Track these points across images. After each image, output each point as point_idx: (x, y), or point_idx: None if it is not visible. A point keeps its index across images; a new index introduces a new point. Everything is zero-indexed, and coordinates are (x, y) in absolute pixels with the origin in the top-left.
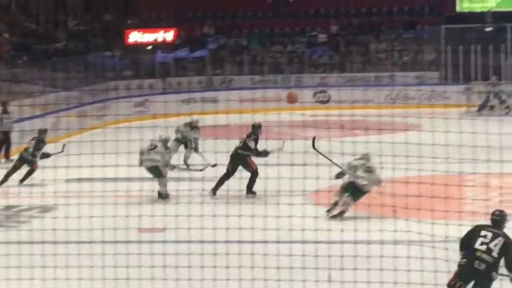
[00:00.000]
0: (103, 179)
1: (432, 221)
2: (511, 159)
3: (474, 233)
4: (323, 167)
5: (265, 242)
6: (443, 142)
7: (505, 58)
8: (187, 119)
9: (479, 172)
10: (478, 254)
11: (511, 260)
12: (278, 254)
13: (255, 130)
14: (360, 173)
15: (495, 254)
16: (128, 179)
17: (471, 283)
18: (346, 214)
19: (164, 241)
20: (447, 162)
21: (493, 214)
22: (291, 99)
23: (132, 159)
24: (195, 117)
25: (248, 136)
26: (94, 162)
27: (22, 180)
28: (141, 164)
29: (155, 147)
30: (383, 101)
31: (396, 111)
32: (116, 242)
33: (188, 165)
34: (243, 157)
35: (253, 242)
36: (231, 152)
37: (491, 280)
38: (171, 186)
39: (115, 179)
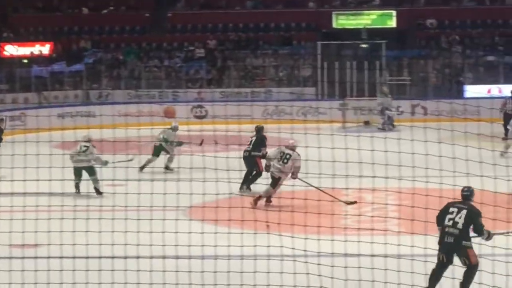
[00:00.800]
0: None
1: (305, 236)
2: (382, 175)
3: (444, 212)
4: (197, 182)
5: (137, 257)
6: (316, 158)
7: (380, 74)
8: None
9: (352, 188)
10: (446, 229)
11: (476, 226)
12: (152, 270)
13: (261, 131)
14: (275, 162)
15: (460, 225)
16: None
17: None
18: (220, 230)
19: (36, 257)
20: (320, 177)
21: (462, 190)
22: (168, 114)
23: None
24: (174, 123)
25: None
26: None
27: None
28: (76, 163)
29: (87, 148)
30: (260, 116)
31: (272, 126)
32: None
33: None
34: (254, 158)
35: (125, 257)
36: (243, 155)
37: (466, 247)
38: (43, 202)
39: None
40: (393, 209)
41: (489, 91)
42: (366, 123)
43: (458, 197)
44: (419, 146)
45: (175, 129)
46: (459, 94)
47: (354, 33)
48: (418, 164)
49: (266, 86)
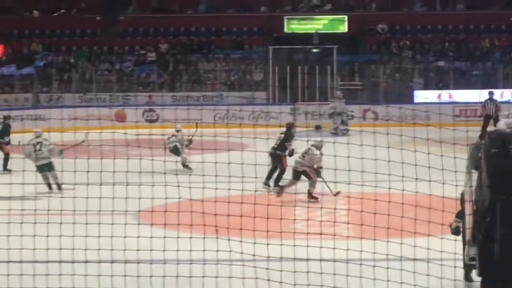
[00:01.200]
0: None
1: (254, 241)
2: (332, 180)
3: None
4: (145, 186)
5: (86, 262)
6: (266, 162)
7: (331, 79)
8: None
9: (301, 192)
10: None
11: None
12: (100, 274)
13: (290, 129)
14: (296, 157)
15: None
16: None
17: None
18: (169, 234)
19: None
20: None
21: None
22: (119, 118)
23: None
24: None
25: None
26: None
27: (5, 169)
28: (36, 162)
29: (41, 143)
30: (211, 121)
31: (222, 130)
32: None
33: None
34: (279, 156)
35: (73, 262)
36: (269, 151)
37: None
38: None
39: None
40: (343, 213)
41: (439, 96)
42: (317, 127)
43: (407, 201)
44: (369, 151)
45: (180, 130)
46: (409, 99)
47: (305, 38)
48: (367, 169)
49: (217, 90)
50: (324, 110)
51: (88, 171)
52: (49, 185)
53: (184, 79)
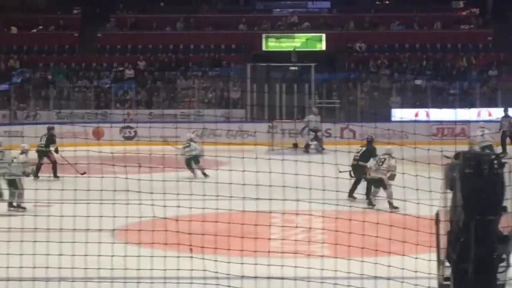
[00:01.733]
0: None
1: (228, 259)
2: (306, 198)
3: None
4: (120, 204)
5: (59, 280)
6: (241, 180)
7: (309, 97)
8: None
9: (276, 211)
10: None
11: None
12: None
13: (371, 143)
14: (372, 165)
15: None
16: None
17: None
18: (143, 252)
19: None
20: (244, 200)
21: None
22: (97, 135)
23: None
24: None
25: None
26: None
27: (55, 176)
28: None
29: (3, 152)
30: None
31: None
32: None
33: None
34: (362, 167)
35: (47, 280)
36: (351, 162)
37: None
38: None
39: None
40: (318, 232)
41: (416, 115)
42: (295, 145)
43: (381, 220)
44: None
45: (194, 140)
46: (387, 117)
47: (283, 56)
48: (342, 187)
49: (195, 108)
50: (301, 128)
51: (62, 189)
52: None
53: (162, 96)
